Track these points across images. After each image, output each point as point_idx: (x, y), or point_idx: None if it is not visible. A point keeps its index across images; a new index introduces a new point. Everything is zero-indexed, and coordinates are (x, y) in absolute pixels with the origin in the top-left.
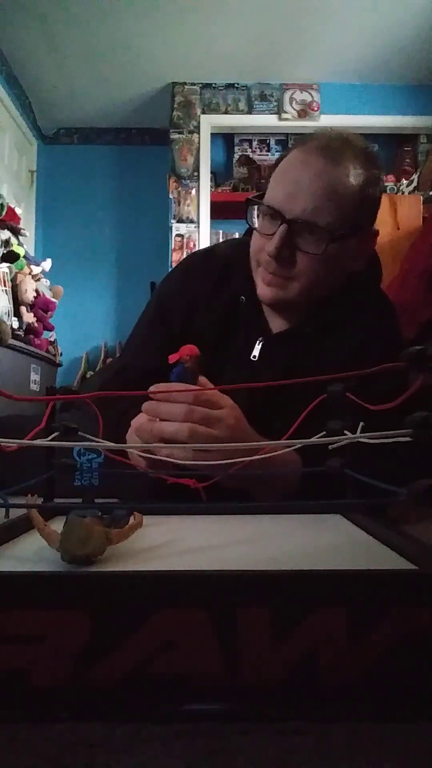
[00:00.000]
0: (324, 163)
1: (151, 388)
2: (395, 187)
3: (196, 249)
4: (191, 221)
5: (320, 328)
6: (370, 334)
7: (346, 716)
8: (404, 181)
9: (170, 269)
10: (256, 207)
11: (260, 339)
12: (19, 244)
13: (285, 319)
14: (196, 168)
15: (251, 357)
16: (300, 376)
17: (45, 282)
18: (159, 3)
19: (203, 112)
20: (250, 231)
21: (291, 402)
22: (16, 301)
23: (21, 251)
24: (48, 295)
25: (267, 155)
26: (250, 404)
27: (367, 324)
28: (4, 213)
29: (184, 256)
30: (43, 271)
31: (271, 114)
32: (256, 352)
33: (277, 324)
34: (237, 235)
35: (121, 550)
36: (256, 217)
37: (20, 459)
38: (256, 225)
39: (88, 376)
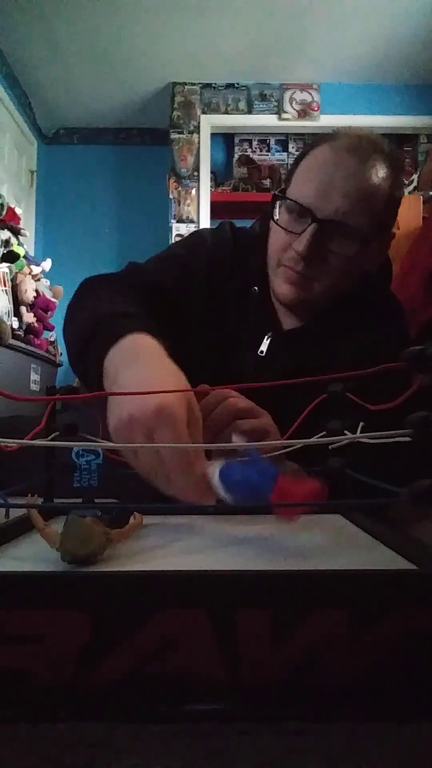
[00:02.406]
0: (356, 163)
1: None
2: None
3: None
4: (191, 221)
5: (331, 328)
6: (380, 336)
7: (346, 716)
8: (404, 181)
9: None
10: (279, 203)
11: (269, 334)
12: (19, 244)
13: (297, 316)
14: (196, 168)
15: (259, 352)
16: (308, 376)
17: (45, 282)
18: (159, 3)
19: (203, 112)
20: (261, 225)
21: (297, 401)
22: (16, 301)
23: (21, 251)
24: (48, 295)
25: (267, 155)
26: (254, 401)
27: (377, 326)
28: (4, 213)
29: None
30: (43, 271)
31: (271, 114)
32: (264, 347)
33: (287, 321)
34: None
35: (121, 550)
36: (278, 214)
37: (20, 459)
38: (281, 222)
39: None
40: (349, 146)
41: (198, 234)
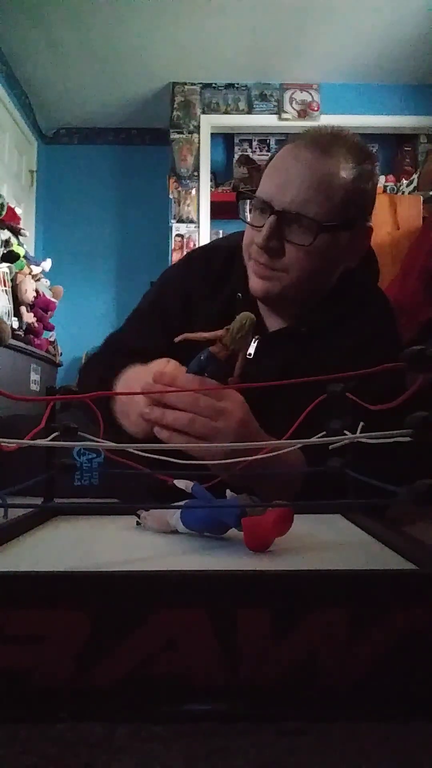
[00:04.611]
0: (313, 155)
1: (156, 374)
2: (395, 187)
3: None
4: (191, 221)
5: (317, 327)
6: (368, 335)
7: (346, 716)
8: (404, 181)
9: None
10: (248, 201)
11: (256, 337)
12: (19, 244)
13: (281, 317)
14: (196, 168)
15: (247, 355)
16: (297, 376)
17: (45, 282)
18: (159, 3)
19: (203, 112)
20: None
21: (287, 402)
22: (16, 301)
23: (21, 251)
24: (48, 295)
25: (267, 155)
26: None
27: (365, 324)
28: (4, 213)
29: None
30: (43, 271)
31: (271, 114)
32: (251, 349)
33: (273, 323)
34: None
35: (120, 549)
36: (248, 211)
37: (20, 459)
38: (248, 219)
39: None
40: (308, 141)
41: (167, 274)
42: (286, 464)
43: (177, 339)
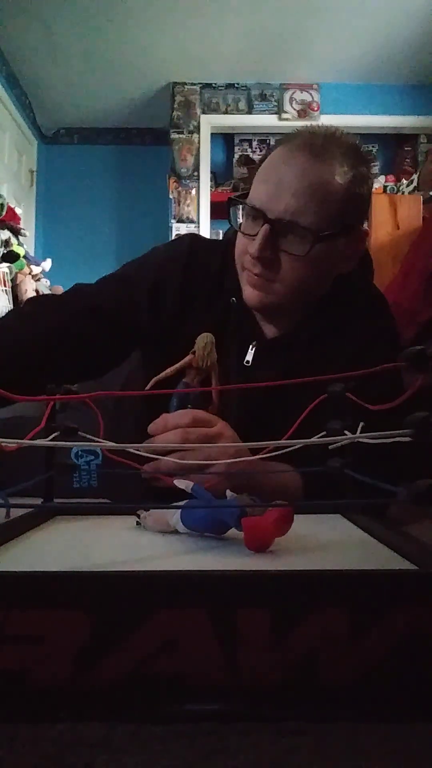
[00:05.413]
0: (307, 160)
1: (150, 426)
2: (395, 187)
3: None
4: (191, 221)
5: (316, 333)
6: (368, 340)
7: (346, 716)
8: (404, 181)
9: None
10: (239, 207)
11: (253, 344)
12: (19, 244)
13: (276, 324)
14: (196, 168)
15: (244, 362)
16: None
17: (45, 282)
18: (159, 3)
19: (203, 112)
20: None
21: (286, 409)
22: (16, 301)
23: (21, 251)
24: None
25: None
26: (243, 410)
27: (364, 328)
28: (4, 213)
29: None
30: (43, 271)
31: (271, 114)
32: (249, 356)
33: (269, 329)
34: None
35: (120, 549)
36: (240, 217)
37: (20, 459)
38: (240, 226)
39: None
40: (301, 144)
41: (152, 251)
42: (278, 482)
43: (148, 386)
